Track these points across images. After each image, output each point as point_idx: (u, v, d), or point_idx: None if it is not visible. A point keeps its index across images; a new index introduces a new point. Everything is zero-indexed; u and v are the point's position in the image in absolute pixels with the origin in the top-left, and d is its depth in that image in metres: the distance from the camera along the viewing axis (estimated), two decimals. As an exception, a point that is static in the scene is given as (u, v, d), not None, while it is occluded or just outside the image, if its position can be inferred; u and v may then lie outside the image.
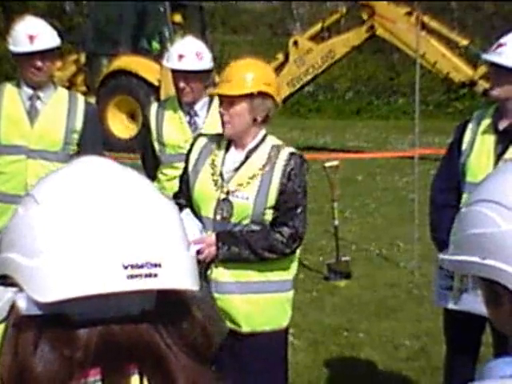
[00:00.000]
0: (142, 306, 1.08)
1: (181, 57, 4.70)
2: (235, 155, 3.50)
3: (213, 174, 3.49)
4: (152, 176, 4.91)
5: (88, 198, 1.06)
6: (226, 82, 3.43)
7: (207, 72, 4.75)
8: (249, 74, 3.40)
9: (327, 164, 7.62)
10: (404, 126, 17.86)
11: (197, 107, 4.74)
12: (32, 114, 4.36)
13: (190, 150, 3.64)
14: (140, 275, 1.03)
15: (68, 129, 4.39)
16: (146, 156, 4.98)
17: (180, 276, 1.07)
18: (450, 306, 3.86)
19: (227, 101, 3.40)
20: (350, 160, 12.62)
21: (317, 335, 5.90)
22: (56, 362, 1.04)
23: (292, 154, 3.46)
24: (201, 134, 3.80)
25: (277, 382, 3.65)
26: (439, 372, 4.59)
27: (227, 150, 3.53)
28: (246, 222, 3.43)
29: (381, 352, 5.59)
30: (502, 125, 3.76)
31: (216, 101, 4.06)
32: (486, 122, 3.82)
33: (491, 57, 3.74)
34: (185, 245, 1.11)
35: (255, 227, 3.43)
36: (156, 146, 4.83)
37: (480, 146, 3.78)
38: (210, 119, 4.66)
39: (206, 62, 4.69)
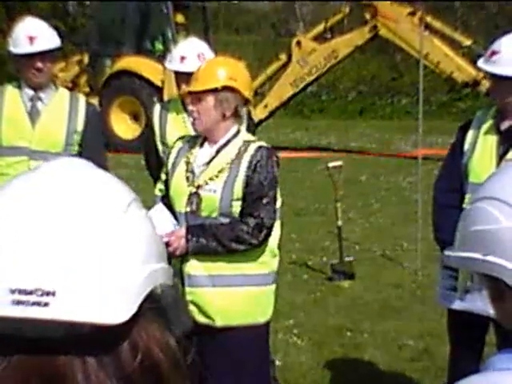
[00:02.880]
0: (70, 328, 0.94)
1: (183, 58, 4.70)
2: (207, 151, 3.58)
3: (186, 171, 3.57)
4: (155, 176, 4.93)
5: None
6: (194, 80, 3.54)
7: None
8: (214, 71, 3.50)
9: (330, 164, 7.60)
10: (407, 126, 17.84)
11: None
12: (33, 115, 4.35)
13: (169, 153, 3.73)
14: (27, 302, 0.92)
15: (69, 130, 4.38)
16: (149, 157, 4.99)
17: (84, 307, 0.93)
18: (454, 306, 3.86)
19: (195, 97, 3.51)
20: (353, 160, 12.63)
21: (320, 335, 5.90)
22: None
23: (260, 147, 3.52)
24: (181, 137, 3.85)
25: (253, 379, 3.61)
26: (443, 372, 4.58)
27: (201, 147, 3.61)
28: (214, 214, 3.48)
29: (384, 352, 5.58)
30: (504, 126, 3.77)
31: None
32: (488, 122, 3.82)
33: (486, 66, 3.74)
34: (114, 272, 0.94)
35: (224, 220, 3.47)
36: (159, 146, 4.84)
37: (482, 147, 3.78)
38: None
39: (208, 63, 4.69)
